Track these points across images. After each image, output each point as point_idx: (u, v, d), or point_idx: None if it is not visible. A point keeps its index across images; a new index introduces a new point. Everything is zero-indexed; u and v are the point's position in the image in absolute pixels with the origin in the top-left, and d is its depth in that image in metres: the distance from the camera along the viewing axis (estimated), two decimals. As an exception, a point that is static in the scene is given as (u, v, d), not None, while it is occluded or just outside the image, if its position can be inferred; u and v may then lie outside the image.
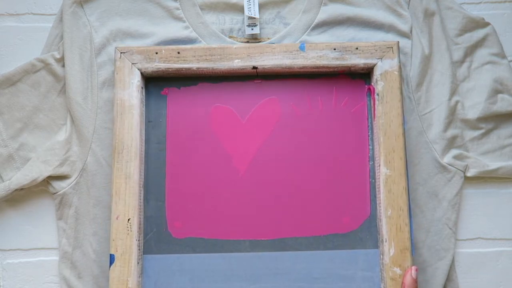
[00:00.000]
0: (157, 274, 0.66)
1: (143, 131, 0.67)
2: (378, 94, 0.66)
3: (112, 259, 0.63)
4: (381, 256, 0.65)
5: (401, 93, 0.66)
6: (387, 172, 0.65)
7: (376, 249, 0.66)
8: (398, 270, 0.63)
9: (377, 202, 0.66)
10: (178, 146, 0.68)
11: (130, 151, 0.65)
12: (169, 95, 0.69)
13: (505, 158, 0.72)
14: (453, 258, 0.70)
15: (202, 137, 0.68)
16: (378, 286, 0.66)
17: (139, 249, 0.65)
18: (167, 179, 0.68)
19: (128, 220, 0.64)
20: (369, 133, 0.69)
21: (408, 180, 0.65)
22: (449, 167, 0.70)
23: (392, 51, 0.66)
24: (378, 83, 0.66)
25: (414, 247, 0.66)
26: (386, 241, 0.64)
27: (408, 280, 0.62)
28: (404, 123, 0.66)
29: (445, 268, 0.70)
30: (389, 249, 0.64)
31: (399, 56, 0.67)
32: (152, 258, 0.66)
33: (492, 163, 0.71)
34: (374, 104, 0.67)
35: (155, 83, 0.68)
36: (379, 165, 0.66)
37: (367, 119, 0.69)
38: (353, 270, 0.66)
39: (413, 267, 0.63)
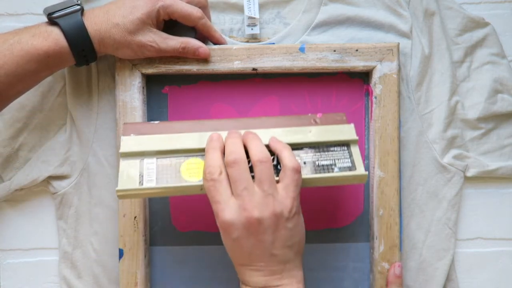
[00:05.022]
0: (163, 264, 0.69)
1: (146, 132, 0.68)
2: (376, 97, 0.67)
3: (121, 253, 0.66)
4: (371, 251, 0.68)
5: (399, 96, 0.67)
6: (380, 174, 0.66)
7: (367, 242, 0.69)
8: (386, 265, 0.67)
9: (370, 200, 0.68)
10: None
11: None
12: (170, 93, 0.69)
13: (505, 158, 0.72)
14: (453, 258, 0.71)
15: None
16: (367, 276, 0.69)
17: (145, 243, 0.67)
18: (170, 175, 0.69)
19: (135, 218, 0.66)
20: (366, 133, 0.69)
21: (400, 181, 0.67)
22: (449, 167, 0.70)
23: (392, 53, 0.66)
24: (377, 86, 0.67)
25: (402, 244, 0.68)
26: (376, 238, 0.66)
27: (391, 276, 0.65)
28: (400, 125, 0.67)
29: (445, 268, 0.70)
30: (379, 246, 0.66)
31: (399, 58, 0.67)
32: (158, 249, 0.69)
33: (492, 163, 0.71)
34: (371, 105, 0.67)
35: (156, 81, 0.68)
36: (374, 167, 0.67)
37: (364, 119, 0.69)
38: (345, 261, 0.69)
39: (397, 264, 0.66)
